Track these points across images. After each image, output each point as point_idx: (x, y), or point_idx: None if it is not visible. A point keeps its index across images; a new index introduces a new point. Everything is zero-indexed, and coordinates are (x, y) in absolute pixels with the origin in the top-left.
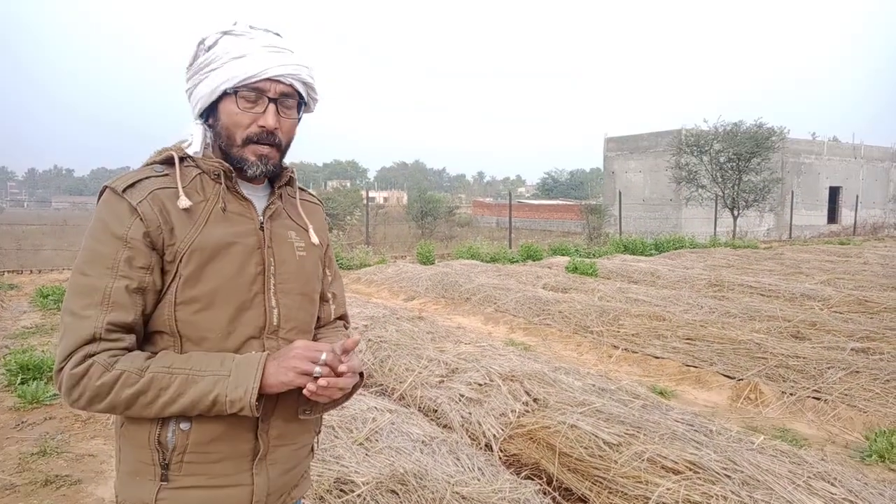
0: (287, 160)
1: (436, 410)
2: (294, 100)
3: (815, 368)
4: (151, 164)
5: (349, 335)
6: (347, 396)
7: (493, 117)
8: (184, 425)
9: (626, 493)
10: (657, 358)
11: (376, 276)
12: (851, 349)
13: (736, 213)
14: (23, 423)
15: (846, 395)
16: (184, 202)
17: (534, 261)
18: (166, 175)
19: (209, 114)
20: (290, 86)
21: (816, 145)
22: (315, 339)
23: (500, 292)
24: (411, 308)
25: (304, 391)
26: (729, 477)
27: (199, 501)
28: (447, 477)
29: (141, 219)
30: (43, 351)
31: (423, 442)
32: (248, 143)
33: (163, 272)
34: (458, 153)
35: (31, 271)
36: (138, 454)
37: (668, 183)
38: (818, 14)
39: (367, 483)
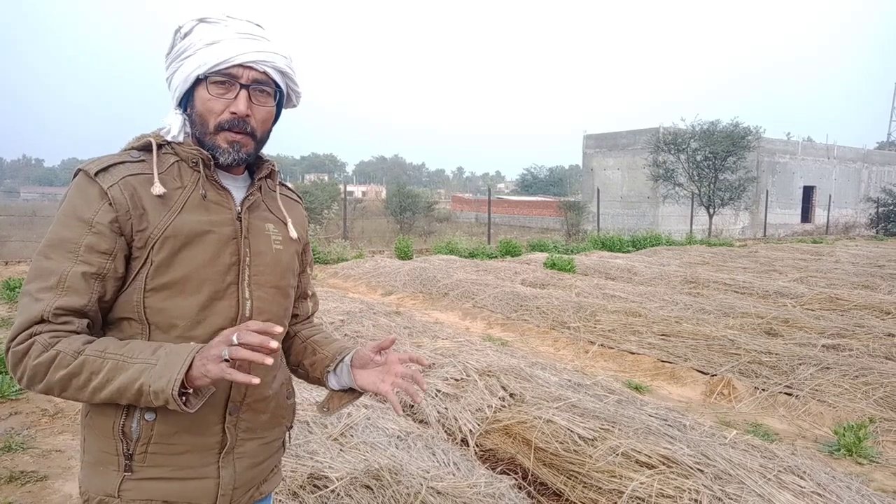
0: (264, 151)
1: (412, 406)
2: (269, 88)
3: (787, 364)
4: (129, 149)
5: (326, 333)
6: (358, 395)
7: (474, 113)
8: (149, 416)
9: (600, 488)
10: (633, 353)
11: (354, 271)
12: (822, 346)
13: (712, 211)
14: (12, 414)
15: (817, 390)
16: (157, 189)
17: (512, 257)
18: (142, 161)
19: (186, 102)
20: (264, 73)
21: (791, 145)
22: (298, 339)
23: (478, 288)
24: (389, 303)
25: (227, 377)
26: (701, 471)
27: (162, 493)
28: (422, 472)
29: (110, 203)
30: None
31: (398, 437)
32: (221, 130)
33: (130, 258)
34: (437, 148)
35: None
36: (102, 444)
37: (645, 181)
38: (796, 15)
39: (342, 478)
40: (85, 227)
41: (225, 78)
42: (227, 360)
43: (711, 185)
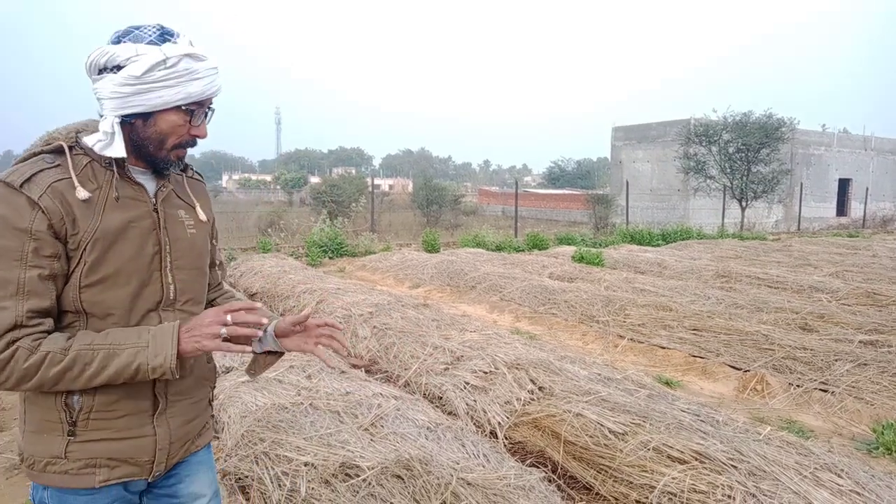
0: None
1: (441, 397)
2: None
3: (822, 360)
4: (39, 153)
5: (234, 295)
6: (280, 355)
7: (500, 105)
8: (91, 388)
9: (631, 482)
10: (663, 348)
11: (381, 264)
12: (859, 342)
13: (744, 204)
14: None
15: (854, 387)
16: (82, 193)
17: (539, 250)
18: (58, 165)
19: (137, 118)
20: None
21: (826, 137)
22: (210, 304)
23: (505, 281)
24: (416, 296)
25: (220, 348)
26: (735, 467)
27: (105, 451)
28: (452, 463)
29: (43, 211)
30: None
31: (428, 428)
32: (176, 148)
33: (67, 258)
34: (463, 141)
35: None
36: (45, 415)
37: (675, 173)
38: (832, 3)
39: (373, 468)
40: (24, 235)
41: (196, 107)
42: (222, 337)
43: (744, 178)
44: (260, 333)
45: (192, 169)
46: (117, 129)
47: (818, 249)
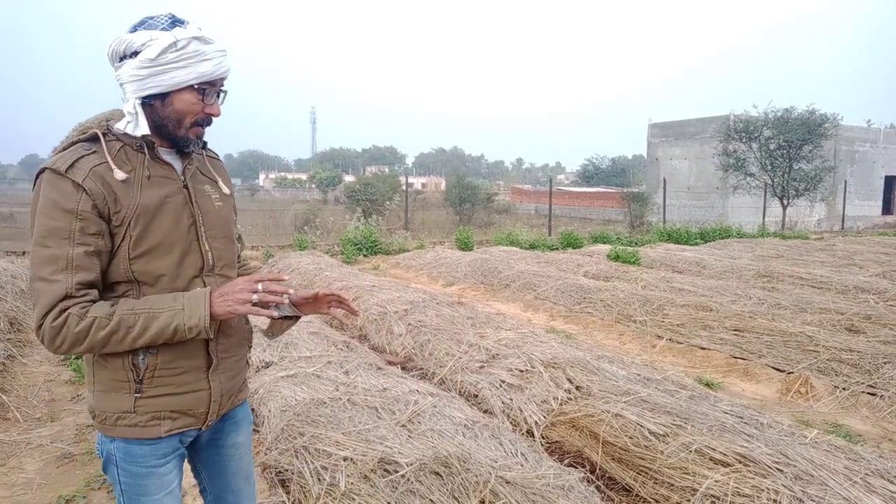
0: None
1: (476, 395)
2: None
3: (870, 363)
4: (77, 142)
5: (252, 266)
6: (294, 318)
7: (534, 103)
8: (153, 350)
9: (672, 485)
10: (703, 349)
11: (415, 262)
12: None
13: (786, 202)
14: (78, 395)
15: None
16: (120, 175)
17: (574, 248)
18: (95, 152)
19: (155, 99)
20: (223, 80)
21: (872, 133)
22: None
23: (539, 279)
24: (450, 294)
25: (252, 312)
26: (781, 471)
27: (168, 405)
28: (490, 461)
29: (87, 193)
30: None
31: (465, 426)
32: (195, 126)
33: (111, 235)
34: (496, 139)
35: None
36: (114, 375)
37: (714, 170)
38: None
39: (411, 464)
40: (71, 216)
41: (208, 86)
42: (253, 303)
43: (785, 175)
44: (286, 301)
45: (209, 148)
46: (139, 109)
47: (863, 249)
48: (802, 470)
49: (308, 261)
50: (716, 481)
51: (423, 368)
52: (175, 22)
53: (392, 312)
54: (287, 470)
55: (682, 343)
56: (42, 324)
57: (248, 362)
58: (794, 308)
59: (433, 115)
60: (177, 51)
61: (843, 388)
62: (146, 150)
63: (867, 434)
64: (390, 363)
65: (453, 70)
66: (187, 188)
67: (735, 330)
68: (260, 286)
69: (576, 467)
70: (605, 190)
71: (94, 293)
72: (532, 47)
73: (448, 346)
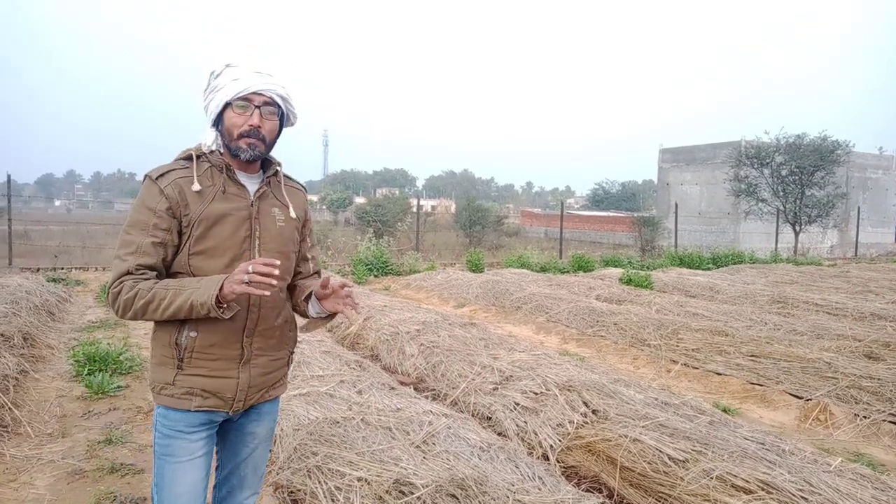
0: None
1: (489, 417)
2: (273, 107)
3: (891, 391)
4: (178, 159)
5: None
6: (327, 318)
7: (543, 127)
8: (192, 333)
9: None
10: (719, 374)
11: (426, 283)
12: None
13: (798, 228)
14: (90, 412)
15: None
16: (196, 186)
17: (585, 272)
18: (187, 168)
19: (218, 122)
20: (270, 98)
21: (884, 160)
22: (297, 287)
23: (551, 302)
24: (462, 315)
25: (247, 291)
26: (806, 499)
27: (201, 384)
28: (508, 484)
29: (166, 197)
30: (108, 344)
31: (480, 448)
32: (241, 137)
33: (181, 233)
34: (506, 163)
35: (96, 268)
36: (163, 351)
37: (725, 196)
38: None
39: (427, 486)
40: (151, 213)
41: (244, 102)
42: (246, 283)
43: (798, 202)
44: (273, 282)
45: (293, 179)
46: (210, 131)
47: (878, 276)
48: (828, 499)
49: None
50: None
51: (435, 389)
52: (228, 65)
53: (404, 333)
54: (300, 490)
55: (697, 368)
56: (109, 290)
57: (287, 364)
58: (810, 334)
59: (444, 138)
60: (216, 78)
61: (864, 416)
62: (225, 171)
63: (891, 464)
64: (403, 383)
65: (464, 94)
66: (253, 206)
67: (751, 355)
68: (251, 268)
69: (593, 493)
70: (615, 214)
71: (151, 275)
72: (542, 72)
73: (461, 367)
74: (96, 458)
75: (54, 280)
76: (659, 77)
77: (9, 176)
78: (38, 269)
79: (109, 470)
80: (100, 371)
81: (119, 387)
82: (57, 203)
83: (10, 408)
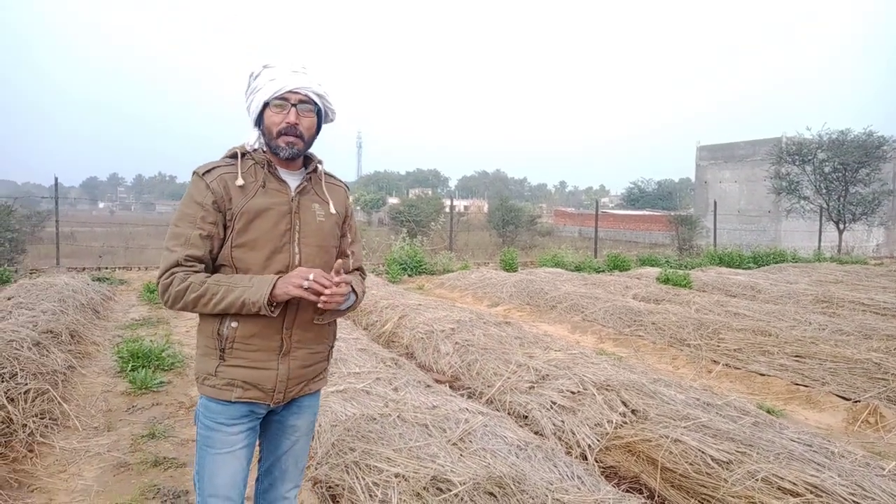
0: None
1: (526, 416)
2: (310, 105)
3: None
4: (225, 157)
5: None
6: (347, 310)
7: (577, 126)
8: (233, 324)
9: None
10: (762, 375)
11: (460, 282)
12: None
13: (842, 226)
14: (133, 406)
15: None
16: (239, 181)
17: (621, 271)
18: (232, 164)
19: (259, 121)
20: (306, 95)
21: None
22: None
23: (587, 301)
24: (496, 314)
25: (303, 295)
26: None
27: (241, 375)
28: (546, 483)
29: (212, 192)
30: (151, 341)
31: (517, 446)
32: (280, 135)
33: (225, 227)
34: (539, 162)
35: (138, 268)
36: (206, 341)
37: (766, 194)
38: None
39: (465, 483)
40: (198, 207)
41: (281, 101)
42: (305, 288)
43: (841, 199)
44: (335, 298)
45: (334, 176)
46: (253, 132)
47: None
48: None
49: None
50: None
51: (470, 387)
52: (266, 66)
53: (438, 331)
54: (338, 485)
55: (739, 368)
56: (159, 281)
57: (327, 358)
58: (857, 334)
59: (476, 138)
60: (255, 79)
61: None
62: (267, 167)
63: None
64: (438, 381)
65: (496, 94)
66: (293, 201)
67: (796, 356)
68: (311, 275)
69: (633, 493)
70: (650, 213)
71: (201, 267)
72: (576, 70)
73: (496, 365)
74: (140, 451)
75: (99, 279)
76: (694, 72)
77: (56, 179)
78: (83, 269)
79: (153, 463)
80: (143, 367)
81: (161, 382)
82: (101, 205)
83: (59, 402)
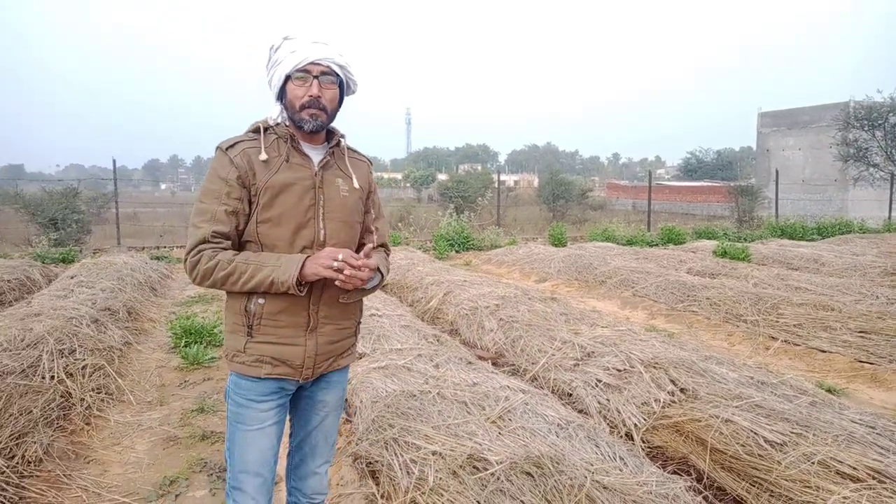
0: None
1: (570, 394)
2: (332, 76)
3: None
4: (248, 132)
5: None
6: (372, 289)
7: (630, 96)
8: (260, 300)
9: (791, 498)
10: (823, 352)
11: (507, 258)
12: None
13: None
14: (185, 381)
15: None
16: (263, 156)
17: (675, 244)
18: (256, 139)
19: (282, 95)
20: (328, 67)
21: None
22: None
23: (638, 276)
24: (543, 290)
25: (332, 276)
26: None
27: (270, 351)
28: (586, 464)
29: (236, 167)
30: (203, 318)
31: (558, 425)
32: (303, 108)
33: (250, 202)
34: (591, 135)
35: None
36: (234, 318)
37: (832, 161)
38: None
39: (501, 462)
40: (223, 182)
41: (303, 73)
42: (335, 269)
43: None
44: (362, 274)
45: (357, 151)
46: (276, 106)
47: None
48: None
49: (401, 256)
50: (844, 498)
51: (514, 364)
52: (286, 38)
53: (483, 307)
54: (377, 461)
55: (799, 345)
56: (186, 258)
57: (354, 333)
58: None
59: (525, 112)
60: (275, 52)
61: None
62: (290, 142)
63: None
64: (481, 358)
65: (546, 65)
66: (317, 176)
67: (861, 332)
68: (340, 256)
69: (680, 475)
70: (709, 184)
71: (227, 243)
72: (629, 36)
73: (540, 342)
74: (189, 425)
75: (157, 258)
76: (755, 35)
77: (114, 161)
78: (143, 248)
79: (200, 437)
80: (195, 343)
81: (213, 358)
82: (163, 186)
83: (114, 377)
